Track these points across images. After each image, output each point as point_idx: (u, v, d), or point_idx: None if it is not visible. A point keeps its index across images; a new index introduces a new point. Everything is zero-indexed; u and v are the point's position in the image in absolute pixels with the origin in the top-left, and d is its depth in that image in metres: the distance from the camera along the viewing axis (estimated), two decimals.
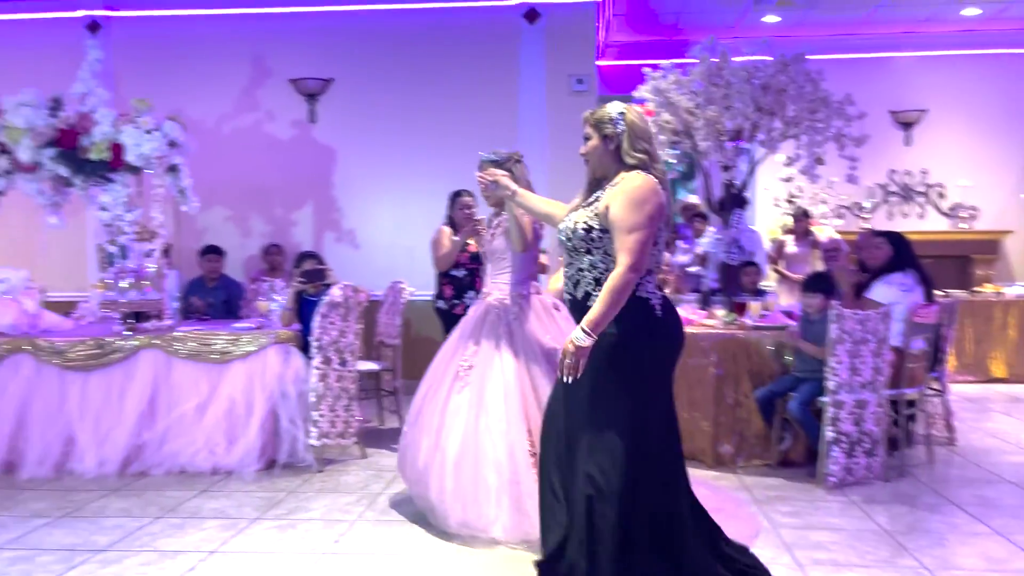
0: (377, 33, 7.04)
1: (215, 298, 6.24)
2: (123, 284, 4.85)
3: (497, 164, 3.58)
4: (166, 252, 5.32)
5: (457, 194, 5.37)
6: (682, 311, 4.99)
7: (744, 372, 4.64)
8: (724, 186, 5.40)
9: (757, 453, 4.65)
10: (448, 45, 7.02)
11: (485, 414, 3.45)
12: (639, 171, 2.77)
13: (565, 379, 2.67)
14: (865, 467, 4.28)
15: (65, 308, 5.71)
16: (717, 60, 5.15)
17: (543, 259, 5.97)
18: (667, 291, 5.52)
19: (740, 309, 5.06)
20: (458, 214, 5.36)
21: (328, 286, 4.98)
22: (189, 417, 4.64)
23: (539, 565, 2.89)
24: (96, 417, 4.64)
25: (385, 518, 3.74)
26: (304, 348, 4.72)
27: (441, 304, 5.44)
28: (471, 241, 4.25)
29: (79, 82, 4.92)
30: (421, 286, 6.02)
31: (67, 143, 4.76)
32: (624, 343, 2.69)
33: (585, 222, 2.79)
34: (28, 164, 4.79)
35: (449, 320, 5.41)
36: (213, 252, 6.35)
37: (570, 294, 2.86)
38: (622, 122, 2.82)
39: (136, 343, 4.67)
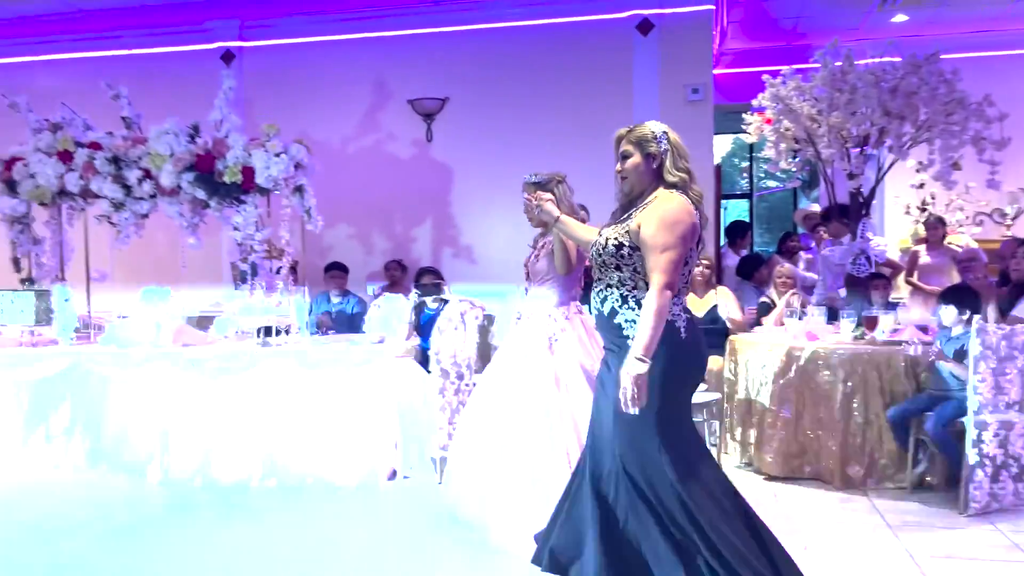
0: (489, 51, 7.15)
1: (339, 312, 6.48)
2: (254, 300, 5.10)
3: (540, 186, 3.70)
4: (293, 269, 5.56)
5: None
6: (806, 325, 4.85)
7: (874, 390, 4.41)
8: (850, 195, 5.18)
9: (889, 476, 4.41)
10: (560, 60, 7.05)
11: (525, 432, 3.49)
12: (674, 191, 2.81)
13: (631, 411, 2.64)
14: (1013, 493, 3.98)
15: (202, 323, 6.06)
16: (841, 64, 4.96)
17: None
18: (791, 301, 5.39)
19: (870, 323, 4.83)
20: None
21: (445, 301, 5.09)
22: (314, 427, 4.81)
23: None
24: (231, 426, 4.88)
25: None
26: (424, 361, 4.82)
27: None
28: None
29: (215, 110, 5.22)
30: None
31: (204, 167, 5.05)
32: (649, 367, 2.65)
33: (616, 239, 2.82)
34: (170, 188, 5.12)
35: None
36: (337, 268, 6.60)
37: (597, 309, 2.89)
38: (665, 141, 2.86)
39: (267, 355, 4.89)
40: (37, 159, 5.25)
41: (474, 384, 4.90)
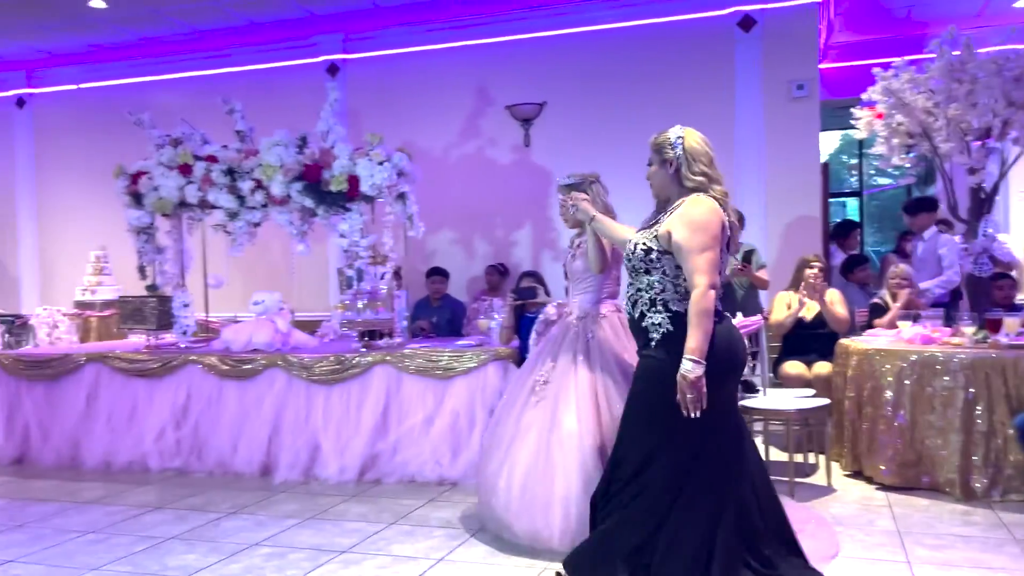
0: (586, 54, 7.13)
1: (439, 317, 6.59)
2: (359, 305, 5.25)
3: (574, 187, 3.74)
4: (397, 274, 5.69)
5: None
6: (922, 329, 4.62)
7: (999, 396, 4.16)
8: (971, 191, 4.91)
9: (1016, 487, 4.14)
10: (659, 60, 6.96)
11: (558, 428, 3.47)
12: (699, 193, 2.87)
13: (692, 415, 2.73)
14: None
15: (311, 327, 6.28)
16: (959, 53, 4.70)
17: (763, 275, 5.72)
18: (899, 305, 5.14)
19: (993, 326, 4.55)
20: None
21: (543, 304, 5.10)
22: (417, 429, 4.91)
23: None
24: (337, 427, 5.03)
25: None
26: (522, 364, 4.85)
27: None
28: None
29: (321, 121, 5.40)
30: None
31: (312, 177, 5.24)
32: (667, 368, 2.77)
33: (645, 243, 2.92)
34: (280, 197, 5.32)
35: None
36: (438, 274, 6.72)
37: (629, 313, 3.00)
38: (680, 146, 2.95)
39: (371, 359, 5.03)
40: (160, 172, 5.56)
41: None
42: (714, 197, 2.87)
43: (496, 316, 5.51)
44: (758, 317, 5.00)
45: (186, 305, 5.76)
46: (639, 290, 2.93)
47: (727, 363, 2.86)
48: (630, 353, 3.43)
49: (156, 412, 5.30)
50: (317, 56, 7.71)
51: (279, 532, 3.91)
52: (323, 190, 5.26)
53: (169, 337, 5.85)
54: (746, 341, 4.73)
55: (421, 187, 5.60)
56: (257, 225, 5.67)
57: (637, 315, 2.92)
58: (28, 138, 8.86)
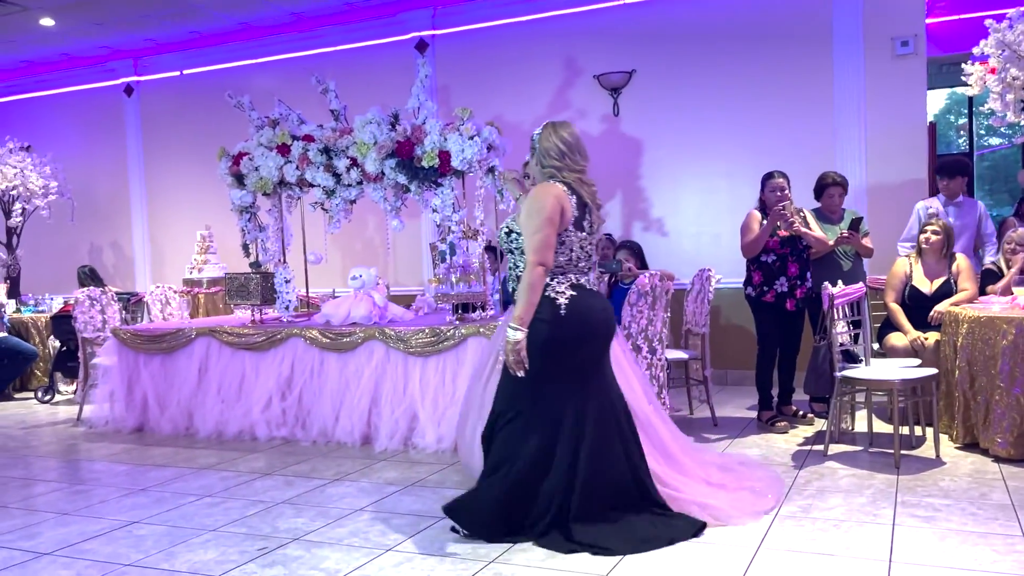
0: (676, 19, 6.98)
1: None
2: (453, 278, 5.33)
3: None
4: (489, 248, 5.75)
5: (769, 176, 5.18)
6: None
7: None
8: None
9: None
10: (751, 23, 6.75)
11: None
12: (547, 181, 3.32)
13: (518, 374, 3.16)
14: None
15: (406, 301, 6.43)
16: None
17: (867, 242, 5.51)
18: (1016, 270, 4.87)
19: None
20: (768, 196, 5.17)
21: (636, 275, 5.08)
22: None
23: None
24: (434, 398, 5.15)
25: None
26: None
27: (750, 291, 5.26)
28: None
29: (412, 97, 5.48)
30: (729, 273, 5.88)
31: (404, 153, 5.33)
32: (529, 337, 3.13)
33: (508, 226, 3.39)
34: (374, 174, 5.44)
35: (759, 308, 5.23)
36: None
37: (509, 291, 3.40)
38: (536, 141, 3.41)
39: (464, 331, 5.11)
40: (260, 153, 5.76)
41: (665, 359, 4.88)
42: (564, 182, 3.30)
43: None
44: (860, 285, 4.83)
45: (288, 281, 5.97)
46: (511, 267, 3.39)
47: (570, 333, 3.21)
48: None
49: (262, 384, 5.54)
50: (406, 33, 7.79)
51: (382, 498, 4.05)
52: (415, 166, 5.34)
53: (272, 312, 6.09)
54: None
55: (511, 160, 5.62)
56: (353, 202, 5.82)
57: (511, 291, 3.35)
58: (136, 124, 9.31)
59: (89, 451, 5.48)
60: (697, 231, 7.03)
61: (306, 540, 3.47)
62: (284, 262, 6.08)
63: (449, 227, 5.41)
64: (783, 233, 5.05)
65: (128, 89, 9.26)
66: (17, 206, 8.78)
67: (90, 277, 8.10)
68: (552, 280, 3.23)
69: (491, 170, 5.40)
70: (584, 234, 3.33)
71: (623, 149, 7.21)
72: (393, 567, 3.13)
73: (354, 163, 5.49)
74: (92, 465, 5.09)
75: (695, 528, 3.28)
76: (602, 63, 7.17)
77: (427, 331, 5.18)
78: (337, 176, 5.59)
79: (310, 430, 5.37)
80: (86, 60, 9.12)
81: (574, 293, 3.23)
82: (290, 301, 5.99)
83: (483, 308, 5.41)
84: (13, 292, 8.65)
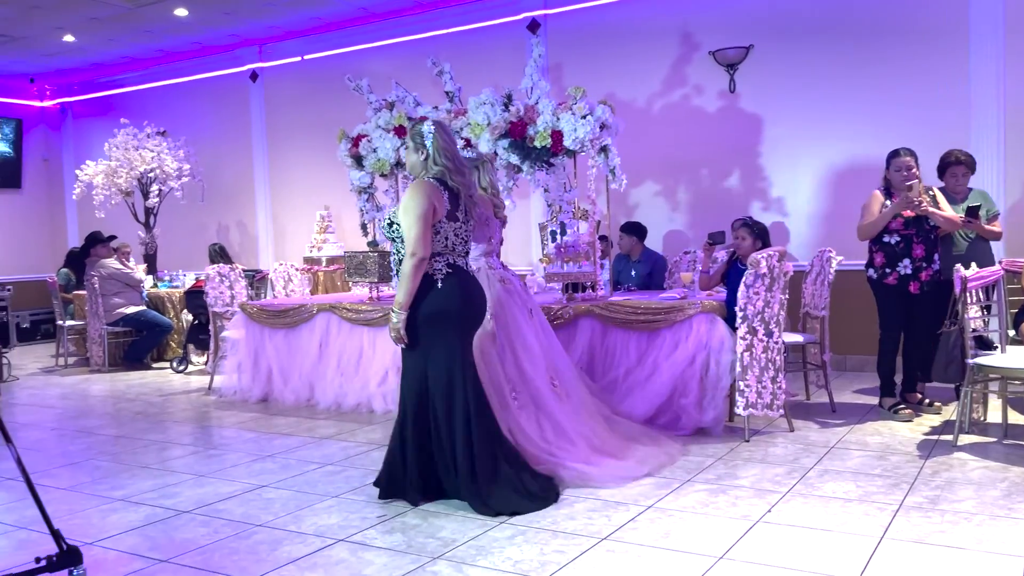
0: None
1: (639, 271, 6.57)
2: (563, 258, 5.35)
3: (474, 162, 4.34)
4: (603, 238, 5.73)
5: (895, 153, 4.95)
6: None
7: None
8: None
9: None
10: None
11: None
12: (419, 179, 3.64)
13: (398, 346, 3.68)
14: None
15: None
16: None
17: (995, 226, 5.17)
18: None
19: None
20: (894, 176, 4.94)
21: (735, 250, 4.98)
22: (620, 380, 4.97)
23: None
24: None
25: (819, 493, 3.62)
26: (729, 318, 4.75)
27: (872, 273, 5.04)
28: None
29: (525, 77, 5.50)
30: (851, 254, 5.66)
31: (517, 133, 5.37)
32: (412, 312, 3.55)
33: (389, 218, 3.68)
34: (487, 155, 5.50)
35: (880, 290, 5.01)
36: (625, 231, 6.65)
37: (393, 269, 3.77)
38: (431, 139, 3.64)
39: (575, 311, 5.13)
40: (378, 135, 5.93)
41: (782, 342, 4.75)
42: (440, 179, 3.60)
43: (698, 267, 5.45)
44: (996, 268, 4.56)
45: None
46: (393, 253, 3.70)
47: (447, 305, 3.57)
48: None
49: (379, 358, 5.72)
50: (518, 13, 7.81)
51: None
52: (528, 146, 5.37)
53: (388, 289, 6.27)
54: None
55: (623, 139, 5.57)
56: None
57: (395, 272, 3.70)
58: (260, 109, 9.73)
59: (220, 418, 5.82)
60: (816, 211, 6.79)
61: (422, 510, 3.59)
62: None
63: (560, 207, 5.42)
64: (908, 213, 4.82)
65: (253, 75, 9.68)
66: (154, 188, 9.34)
67: (220, 254, 8.56)
68: (433, 263, 3.59)
69: (603, 149, 5.37)
70: (458, 224, 3.66)
71: (740, 127, 7.02)
72: (507, 539, 3.20)
73: (468, 144, 5.56)
74: (223, 432, 5.41)
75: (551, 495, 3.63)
76: (718, 38, 6.99)
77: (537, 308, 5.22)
78: None
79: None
80: (216, 48, 9.58)
81: (450, 271, 3.62)
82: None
83: (593, 288, 5.41)
84: (150, 268, 9.24)
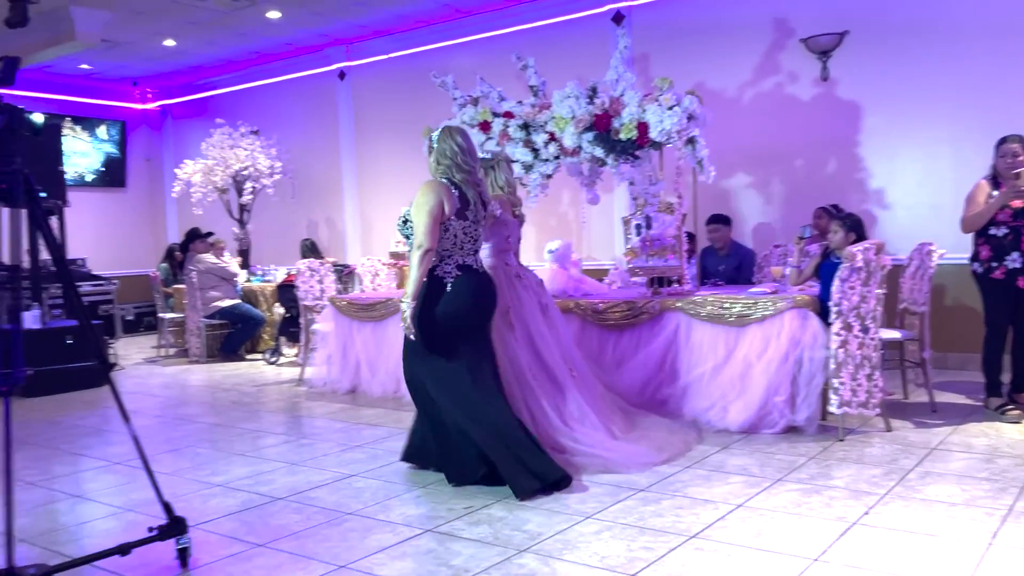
0: None
1: (726, 265, 6.43)
2: (648, 252, 5.28)
3: (486, 164, 4.59)
4: (684, 221, 5.63)
5: (1003, 140, 4.70)
6: None
7: None
8: None
9: None
10: None
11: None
12: (431, 179, 3.88)
13: (411, 337, 3.81)
14: None
15: (598, 275, 6.45)
16: None
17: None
18: None
19: None
20: (1000, 164, 4.70)
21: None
22: (707, 376, 4.88)
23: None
24: (628, 370, 5.15)
25: (920, 496, 3.47)
26: (822, 313, 4.61)
27: (977, 267, 4.80)
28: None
29: (610, 69, 5.45)
30: (953, 247, 5.40)
31: (602, 126, 5.31)
32: (420, 311, 3.76)
33: (404, 216, 3.88)
34: (571, 148, 5.47)
35: (986, 285, 4.77)
36: (716, 221, 6.52)
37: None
38: (434, 142, 3.94)
39: (661, 305, 5.06)
40: None
41: (879, 338, 4.57)
42: (451, 179, 3.84)
43: (788, 261, 5.30)
44: None
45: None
46: (408, 249, 3.89)
47: (457, 307, 3.78)
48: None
49: None
50: (603, 5, 7.74)
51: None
52: (612, 138, 5.31)
53: None
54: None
55: (712, 130, 5.45)
56: (549, 176, 5.89)
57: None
58: (348, 107, 9.95)
59: (310, 409, 5.99)
60: (916, 202, 6.50)
61: (508, 502, 3.60)
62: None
63: (645, 200, 5.35)
64: (1017, 203, 4.57)
65: (341, 74, 9.89)
66: (248, 185, 9.66)
67: (311, 249, 8.80)
68: (441, 262, 3.81)
69: (691, 141, 5.27)
70: (467, 223, 3.85)
71: (834, 116, 6.79)
72: (593, 534, 3.19)
73: (552, 138, 5.55)
74: (313, 422, 5.56)
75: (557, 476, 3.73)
76: (810, 25, 6.76)
77: (622, 304, 5.18)
78: (535, 151, 5.68)
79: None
80: (305, 49, 9.83)
81: (459, 273, 3.83)
82: None
83: (679, 282, 5.32)
84: (244, 263, 9.57)
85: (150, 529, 2.94)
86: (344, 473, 4.19)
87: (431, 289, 3.78)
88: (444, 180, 3.85)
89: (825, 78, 6.79)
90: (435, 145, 3.93)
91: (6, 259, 2.74)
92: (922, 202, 6.46)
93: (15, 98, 2.86)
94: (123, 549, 2.83)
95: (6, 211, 2.72)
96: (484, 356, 3.92)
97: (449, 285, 3.80)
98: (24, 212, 2.72)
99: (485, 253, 4.42)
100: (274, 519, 3.55)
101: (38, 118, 2.80)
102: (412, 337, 3.80)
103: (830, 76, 6.77)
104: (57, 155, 8.30)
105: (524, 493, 3.61)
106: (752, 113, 7.10)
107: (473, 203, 3.89)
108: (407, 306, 3.73)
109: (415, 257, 3.73)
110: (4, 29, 6.82)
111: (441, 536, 3.24)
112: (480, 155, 4.61)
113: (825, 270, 4.79)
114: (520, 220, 4.67)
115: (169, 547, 3.02)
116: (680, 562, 2.89)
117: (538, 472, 3.67)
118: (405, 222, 3.86)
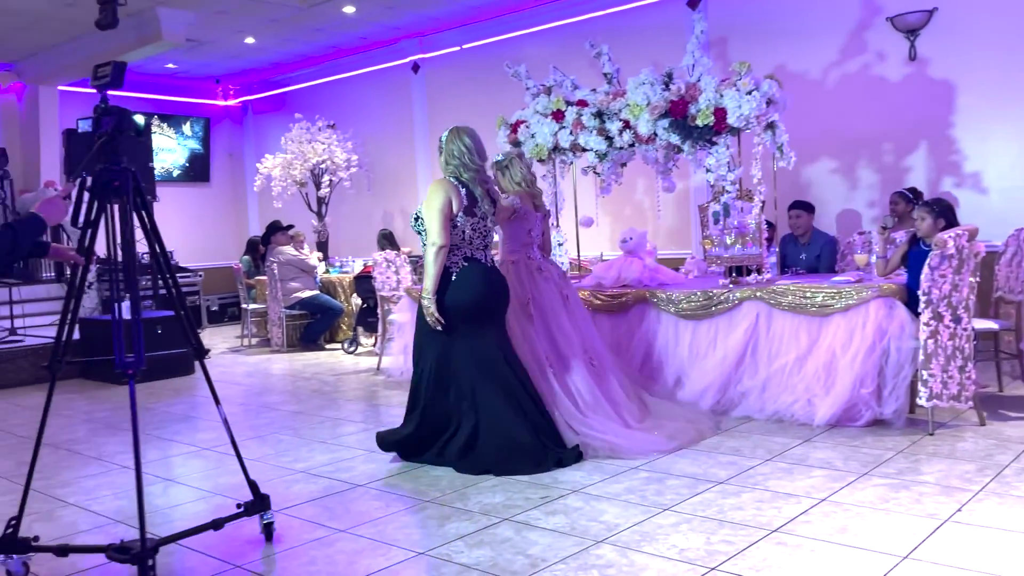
0: None
1: (807, 253, 6.25)
2: (727, 240, 5.18)
3: (499, 165, 4.85)
4: (762, 208, 5.50)
5: None
6: None
7: None
8: None
9: None
10: None
11: None
12: (441, 178, 4.12)
13: (436, 328, 4.02)
14: None
15: (674, 264, 6.36)
16: None
17: None
18: None
19: None
20: None
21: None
22: (789, 368, 4.76)
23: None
24: (704, 363, 5.08)
25: (1017, 493, 3.31)
26: (910, 302, 4.44)
27: None
28: None
29: (686, 55, 5.34)
30: None
31: (678, 113, 5.22)
32: (438, 302, 3.98)
33: (416, 213, 4.13)
34: (646, 136, 5.40)
35: None
36: (798, 208, 6.33)
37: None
38: (443, 143, 4.19)
39: (739, 295, 4.96)
40: (536, 120, 5.95)
41: (972, 329, 4.37)
42: (459, 178, 4.05)
43: (874, 248, 5.11)
44: None
45: (560, 244, 6.15)
46: (422, 245, 4.08)
47: (460, 301, 3.99)
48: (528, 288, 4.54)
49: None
50: None
51: (656, 459, 4.07)
52: (689, 125, 5.22)
53: None
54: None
55: (795, 115, 5.31)
56: (624, 165, 5.83)
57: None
58: (422, 99, 10.04)
59: (387, 397, 6.09)
60: (1012, 185, 6.20)
61: (584, 493, 3.59)
62: (557, 226, 6.26)
63: (723, 187, 5.24)
64: None
65: (415, 66, 9.99)
66: (325, 179, 9.87)
67: (387, 240, 8.93)
68: (451, 256, 4.01)
69: (770, 126, 5.14)
70: (475, 219, 4.05)
71: (924, 96, 6.51)
72: (671, 526, 3.15)
73: (626, 125, 5.48)
74: (390, 410, 5.65)
75: (574, 455, 4.03)
76: (898, 2, 6.50)
77: (699, 294, 5.10)
78: (609, 139, 5.62)
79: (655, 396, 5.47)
80: (380, 43, 9.97)
81: (466, 264, 4.04)
82: (562, 264, 6.16)
83: (759, 271, 5.20)
84: (323, 255, 9.78)
85: (238, 505, 3.12)
86: (422, 465, 4.24)
87: (443, 282, 4.00)
88: (452, 179, 4.05)
89: (913, 58, 6.52)
90: (441, 146, 4.15)
91: (106, 253, 2.89)
92: (1018, 185, 6.16)
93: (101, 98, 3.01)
94: (216, 524, 2.99)
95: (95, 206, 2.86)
96: (496, 342, 4.09)
97: (454, 275, 4.02)
98: (119, 208, 2.87)
99: (508, 247, 4.67)
100: (355, 505, 3.62)
101: (140, 119, 2.98)
102: (439, 328, 3.99)
103: (918, 55, 6.50)
104: (148, 152, 8.63)
105: (519, 471, 3.88)
106: (837, 96, 6.87)
107: (480, 200, 4.08)
108: (428, 302, 3.97)
109: (430, 254, 3.96)
110: (95, 31, 7.12)
111: (518, 525, 3.25)
112: (496, 157, 4.84)
113: (913, 258, 4.61)
114: (544, 214, 4.80)
115: (255, 523, 3.19)
116: (762, 556, 2.83)
117: (534, 448, 3.93)
118: (416, 219, 4.12)
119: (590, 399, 4.41)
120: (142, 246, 3.42)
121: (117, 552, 2.67)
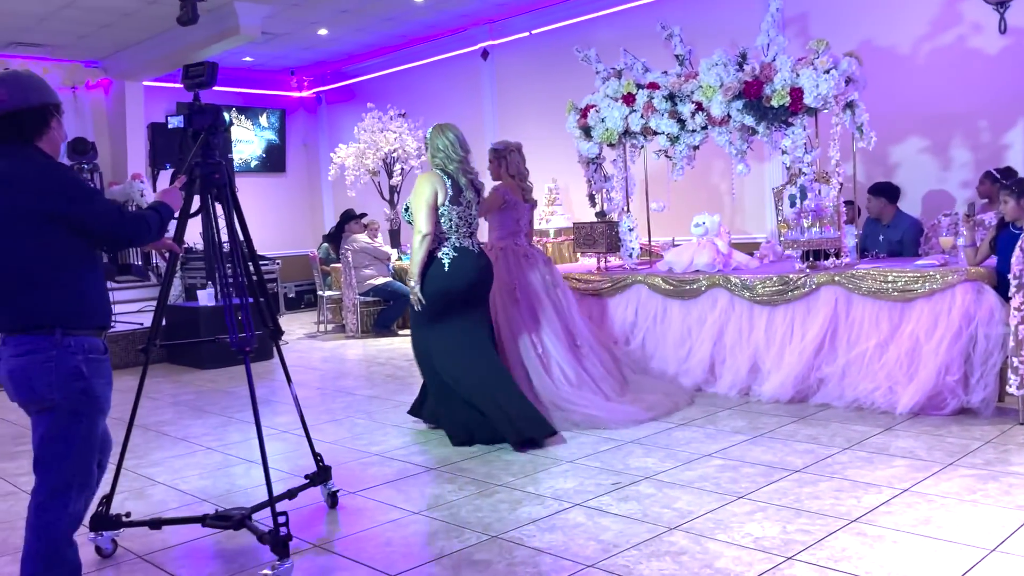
0: None
1: (888, 237, 6.04)
2: (804, 223, 5.05)
3: (497, 152, 5.31)
4: (841, 190, 5.33)
5: None
6: None
7: None
8: None
9: None
10: None
11: None
12: (427, 171, 4.40)
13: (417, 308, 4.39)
14: None
15: (749, 248, 6.22)
16: None
17: None
18: None
19: None
20: None
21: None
22: (869, 354, 4.63)
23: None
24: (780, 349, 4.97)
25: None
26: (1000, 287, 4.25)
27: None
28: None
29: (761, 34, 5.21)
30: None
31: (752, 93, 5.10)
32: (425, 287, 4.30)
33: (407, 204, 4.38)
34: (720, 118, 5.29)
35: None
36: (878, 192, 6.10)
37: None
38: (428, 138, 4.45)
39: (817, 280, 4.83)
40: (606, 104, 5.90)
41: None
42: (444, 170, 4.31)
43: (961, 230, 4.89)
44: None
45: (631, 229, 6.10)
46: (416, 233, 4.32)
47: (454, 284, 4.27)
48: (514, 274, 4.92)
49: (607, 327, 5.75)
50: None
51: (729, 446, 4.02)
52: (764, 106, 5.09)
53: (616, 260, 6.27)
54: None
55: (882, 92, 5.11)
56: (696, 148, 5.72)
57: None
58: (492, 85, 10.05)
59: None
60: None
61: (657, 480, 3.57)
62: (628, 211, 6.20)
63: (800, 169, 5.10)
64: None
65: (484, 53, 10.00)
66: (397, 167, 9.99)
67: None
68: (441, 245, 4.29)
69: (849, 105, 4.97)
70: (461, 207, 4.29)
71: (1017, 71, 6.19)
72: (746, 514, 3.11)
73: (699, 108, 5.38)
74: None
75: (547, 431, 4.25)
76: None
77: (775, 279, 4.99)
78: (681, 122, 5.54)
79: (651, 373, 5.48)
80: (449, 30, 10.01)
81: (456, 254, 4.29)
82: (633, 249, 6.11)
83: (836, 255, 5.05)
84: (395, 243, 9.92)
85: (305, 476, 3.43)
86: (493, 446, 4.28)
87: (433, 268, 4.29)
88: (438, 171, 4.31)
89: (1003, 30, 6.21)
90: (429, 142, 4.43)
91: (205, 242, 3.05)
92: None
93: (183, 93, 3.12)
94: (291, 494, 3.27)
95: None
96: (481, 324, 4.43)
97: (446, 265, 4.28)
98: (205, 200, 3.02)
99: (496, 235, 5.02)
100: (428, 488, 3.68)
101: (226, 115, 3.15)
102: (419, 309, 4.33)
103: (1008, 27, 6.18)
104: (228, 145, 8.90)
105: (515, 444, 4.14)
106: (925, 71, 6.58)
107: (465, 189, 4.35)
108: (414, 283, 4.30)
109: (416, 241, 4.27)
110: (176, 27, 7.35)
111: (590, 511, 3.26)
112: (493, 145, 5.27)
113: (1003, 241, 4.41)
114: (532, 204, 5.22)
115: (335, 513, 3.33)
116: (841, 547, 2.76)
117: (521, 426, 4.14)
118: (406, 209, 4.42)
119: (573, 376, 4.78)
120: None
121: (216, 519, 2.98)
